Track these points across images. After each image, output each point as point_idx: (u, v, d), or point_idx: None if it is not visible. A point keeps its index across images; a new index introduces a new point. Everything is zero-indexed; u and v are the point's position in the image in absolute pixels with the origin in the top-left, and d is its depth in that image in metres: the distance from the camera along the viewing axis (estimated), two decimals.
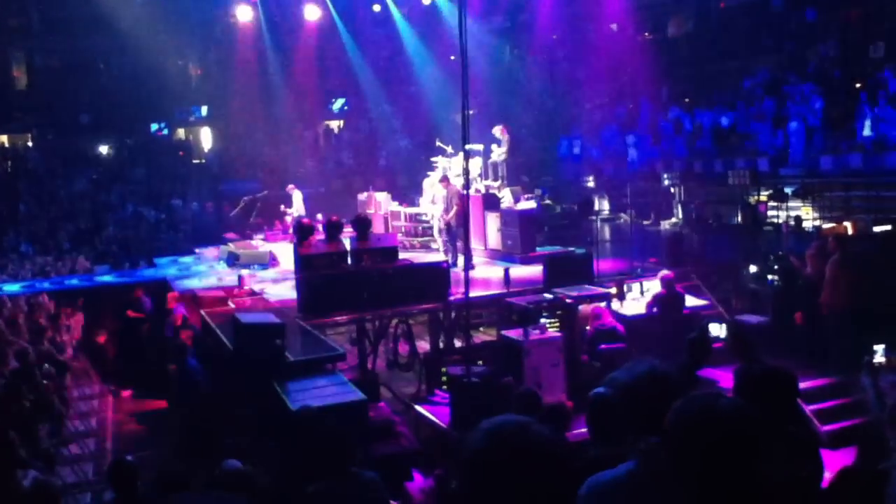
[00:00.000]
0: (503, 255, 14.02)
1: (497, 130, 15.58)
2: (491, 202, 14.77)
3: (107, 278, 16.35)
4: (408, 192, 18.86)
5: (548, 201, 18.09)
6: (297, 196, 18.08)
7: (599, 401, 3.20)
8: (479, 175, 15.45)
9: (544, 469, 1.56)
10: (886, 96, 16.00)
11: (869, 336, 9.10)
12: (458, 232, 13.29)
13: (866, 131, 15.88)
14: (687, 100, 21.89)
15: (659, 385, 2.18)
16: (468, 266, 9.37)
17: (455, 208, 13.37)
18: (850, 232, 13.08)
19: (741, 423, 1.72)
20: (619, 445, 2.37)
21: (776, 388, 3.37)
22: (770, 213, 15.87)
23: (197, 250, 17.95)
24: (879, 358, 8.70)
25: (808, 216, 15.43)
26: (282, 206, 18.32)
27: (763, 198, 16.04)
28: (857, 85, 17.51)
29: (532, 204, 15.61)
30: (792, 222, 14.88)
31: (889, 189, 14.75)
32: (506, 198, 15.15)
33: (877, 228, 13.31)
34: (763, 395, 3.35)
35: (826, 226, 14.11)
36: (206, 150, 28.41)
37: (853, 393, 9.27)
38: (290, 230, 17.48)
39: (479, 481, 1.56)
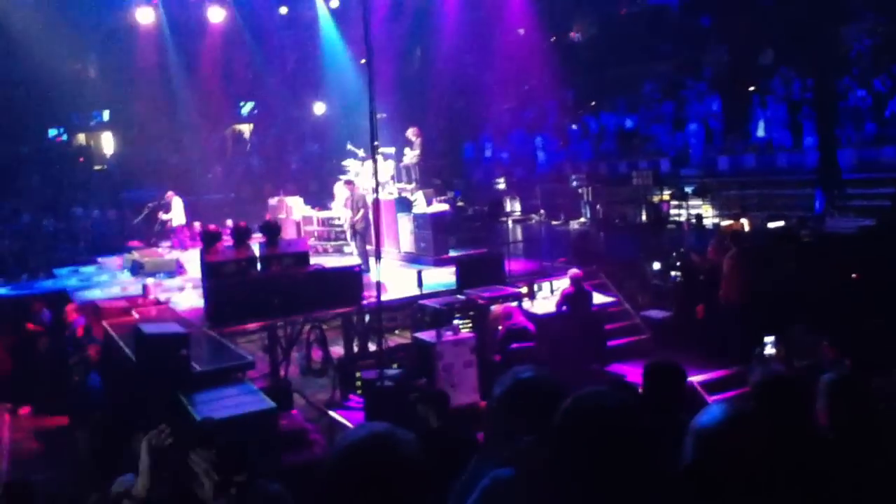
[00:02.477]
0: (416, 258, 14.07)
1: (410, 132, 15.65)
2: (403, 205, 14.80)
3: (2, 291, 15.54)
4: (320, 196, 18.66)
5: (460, 204, 18.25)
6: (176, 203, 17.37)
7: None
8: (392, 178, 15.46)
9: (403, 480, 1.55)
10: (775, 99, 16.86)
11: (761, 328, 9.54)
12: (366, 235, 13.27)
13: (760, 132, 16.70)
14: (592, 103, 22.50)
15: (527, 394, 2.24)
16: (377, 267, 9.35)
17: (361, 211, 13.35)
18: (746, 229, 13.71)
19: (626, 420, 1.71)
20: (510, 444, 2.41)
21: (665, 380, 3.55)
22: (672, 211, 16.49)
23: (99, 260, 17.27)
24: (769, 350, 9.13)
25: (708, 214, 16.10)
26: (158, 213, 17.63)
27: (665, 197, 16.65)
28: (751, 88, 18.40)
29: (444, 206, 15.70)
30: (693, 220, 15.49)
31: (780, 187, 15.56)
32: (418, 201, 15.20)
33: (770, 224, 14.00)
34: (657, 386, 3.52)
35: (724, 223, 14.74)
36: (107, 155, 27.36)
37: (749, 383, 9.71)
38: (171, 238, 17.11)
39: (335, 499, 1.54)
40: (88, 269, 16.66)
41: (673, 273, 12.78)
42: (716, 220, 15.60)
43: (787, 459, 1.71)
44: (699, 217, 15.59)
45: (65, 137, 27.32)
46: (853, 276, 10.52)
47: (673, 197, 16.53)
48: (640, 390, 3.82)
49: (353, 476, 1.54)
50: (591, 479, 1.67)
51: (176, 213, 17.25)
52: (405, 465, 1.57)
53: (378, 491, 1.53)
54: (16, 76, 24.52)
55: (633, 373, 10.57)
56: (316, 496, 1.59)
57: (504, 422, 2.29)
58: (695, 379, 9.76)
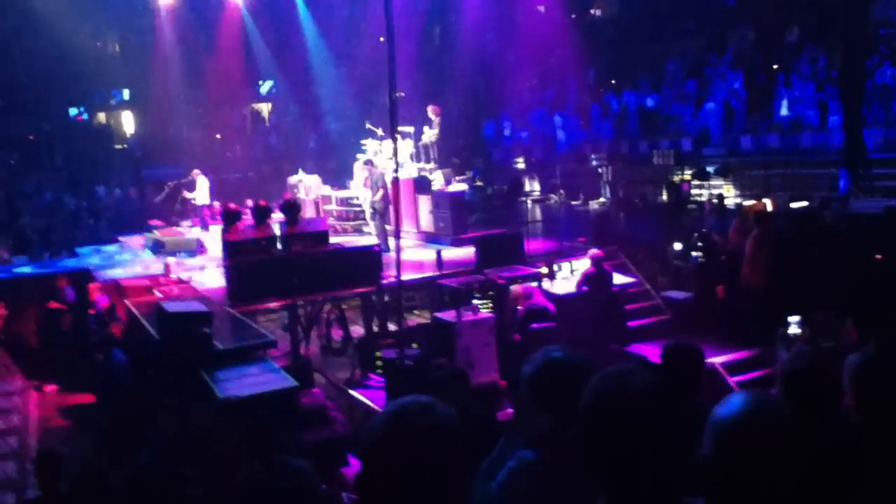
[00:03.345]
0: (435, 238, 14.06)
1: (430, 110, 15.60)
2: (422, 185, 14.77)
3: (26, 269, 15.73)
4: (338, 175, 18.67)
5: (479, 183, 18.18)
6: (201, 182, 17.25)
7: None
8: (410, 157, 15.42)
9: (445, 450, 1.56)
10: (801, 78, 16.59)
11: (784, 310, 9.46)
12: (386, 215, 13.27)
13: (783, 111, 16.46)
14: (613, 82, 22.26)
15: (557, 374, 2.23)
16: (397, 247, 9.35)
17: (381, 191, 13.34)
18: (769, 209, 13.55)
19: (650, 404, 1.69)
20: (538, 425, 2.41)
21: (683, 362, 3.53)
22: (693, 191, 16.33)
23: (120, 239, 17.42)
24: (794, 330, 9.06)
25: (730, 194, 15.93)
26: (182, 191, 17.57)
27: (686, 177, 16.48)
28: (775, 67, 18.12)
29: (463, 186, 15.67)
30: (714, 200, 15.33)
31: (805, 167, 15.35)
32: (437, 180, 15.17)
33: (794, 205, 13.83)
34: (675, 368, 3.51)
35: (746, 203, 14.58)
36: (128, 134, 27.51)
37: (771, 364, 9.65)
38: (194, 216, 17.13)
39: (380, 464, 1.56)
40: (110, 248, 16.82)
41: (694, 254, 12.68)
42: (738, 201, 15.44)
43: (810, 453, 1.69)
44: (721, 197, 15.43)
45: (86, 116, 27.49)
46: (877, 256, 10.39)
47: (694, 177, 16.37)
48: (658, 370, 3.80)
49: (398, 437, 1.56)
50: (614, 459, 1.66)
51: (200, 193, 17.23)
52: (449, 434, 1.58)
53: (423, 454, 1.54)
54: (39, 54, 24.67)
55: (653, 353, 10.54)
56: (361, 458, 1.60)
57: (533, 401, 2.28)
58: (716, 360, 9.73)
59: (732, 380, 9.72)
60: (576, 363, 2.23)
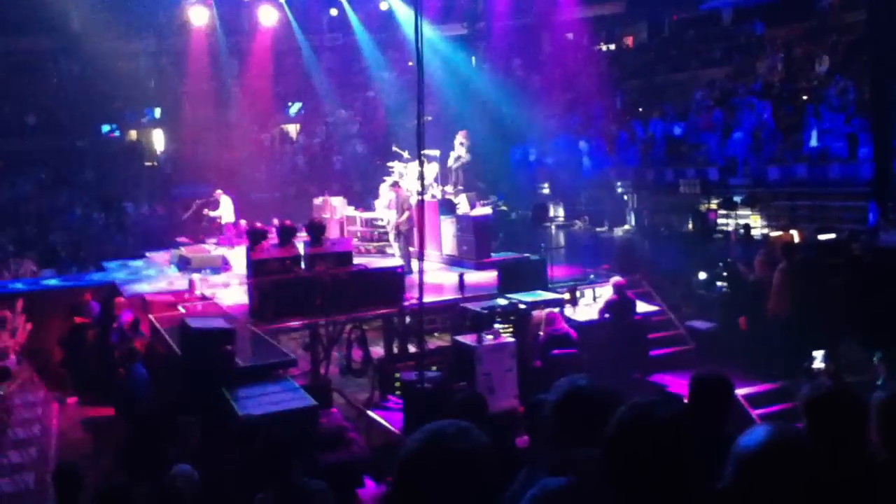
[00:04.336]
0: (458, 261, 14.06)
1: (461, 136, 15.74)
2: (447, 208, 14.81)
3: (53, 282, 15.94)
4: (364, 197, 18.79)
5: (503, 207, 18.19)
6: (225, 201, 17.42)
7: (539, 408, 3.23)
8: (435, 180, 15.49)
9: (479, 474, 1.55)
10: (829, 109, 16.46)
11: (810, 342, 9.32)
12: (410, 237, 13.31)
13: (813, 142, 16.32)
14: (640, 109, 22.25)
15: (583, 403, 2.22)
16: (420, 270, 9.36)
17: (406, 213, 13.39)
18: (796, 240, 13.41)
19: (675, 435, 1.69)
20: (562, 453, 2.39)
21: (712, 393, 3.48)
22: (719, 221, 16.20)
23: (147, 254, 17.60)
24: (818, 364, 8.92)
25: (756, 224, 15.79)
26: (205, 210, 17.68)
27: (713, 206, 16.37)
28: (804, 97, 18.01)
29: (487, 210, 15.68)
30: (741, 230, 15.20)
31: (832, 199, 15.19)
32: (461, 204, 15.21)
33: (821, 237, 13.67)
34: (703, 398, 3.46)
35: (773, 234, 14.44)
36: (158, 152, 27.93)
37: (795, 398, 9.50)
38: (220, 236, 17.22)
39: (413, 485, 1.55)
40: (137, 263, 16.99)
41: (718, 283, 12.56)
42: (764, 231, 15.30)
43: (832, 486, 1.66)
44: (747, 227, 15.30)
45: (117, 133, 27.96)
46: None
47: (721, 206, 16.26)
48: (684, 401, 3.75)
49: (433, 457, 1.56)
50: (641, 490, 1.64)
51: (225, 211, 17.43)
52: (482, 459, 1.58)
53: (456, 476, 1.54)
54: (73, 72, 25.23)
55: (675, 383, 10.44)
56: (394, 476, 1.60)
57: (558, 429, 2.27)
58: (739, 392, 9.59)
59: (755, 412, 9.57)
60: (602, 392, 2.22)
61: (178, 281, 13.69)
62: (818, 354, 8.99)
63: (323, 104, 26.77)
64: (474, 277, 12.50)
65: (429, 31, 18.36)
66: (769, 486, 1.62)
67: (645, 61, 23.99)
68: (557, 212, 19.54)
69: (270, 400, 6.97)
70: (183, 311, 10.89)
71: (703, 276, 12.89)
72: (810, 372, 8.80)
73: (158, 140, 28.54)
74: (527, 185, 21.53)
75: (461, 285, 11.61)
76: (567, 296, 11.73)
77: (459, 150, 15.82)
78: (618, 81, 22.64)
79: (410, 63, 19.23)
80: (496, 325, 10.04)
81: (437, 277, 13.11)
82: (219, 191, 17.70)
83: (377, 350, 11.78)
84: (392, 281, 11.06)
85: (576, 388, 2.26)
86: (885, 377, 8.01)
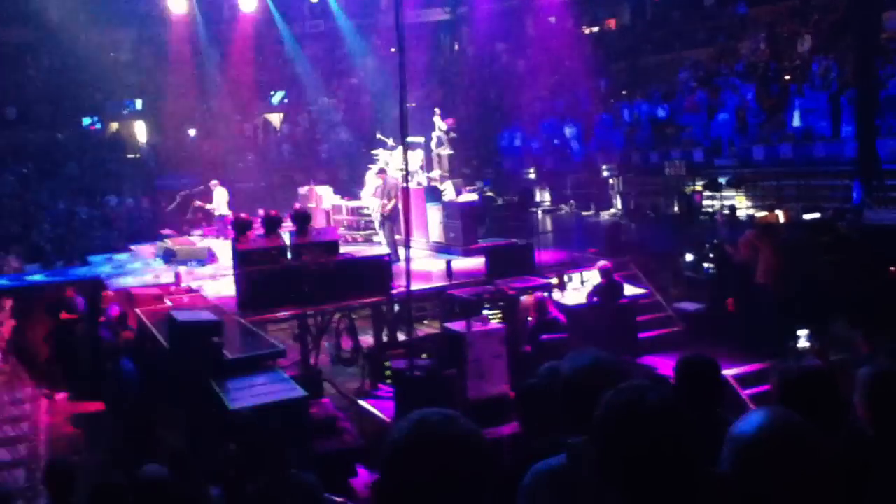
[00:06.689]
0: (445, 248, 14.04)
1: (445, 122, 15.70)
2: (433, 194, 14.77)
3: (37, 278, 15.80)
4: (349, 185, 18.70)
5: (489, 193, 18.18)
6: (219, 192, 17.09)
7: (528, 391, 3.21)
8: (421, 167, 15.44)
9: (468, 462, 1.53)
10: (813, 88, 16.51)
11: (796, 321, 9.38)
12: (396, 224, 13.27)
13: (796, 122, 16.37)
14: (624, 92, 22.24)
15: (601, 377, 2.18)
16: (407, 257, 9.33)
17: (393, 201, 13.34)
18: (781, 220, 13.46)
19: (666, 420, 1.66)
20: (552, 436, 2.38)
21: (698, 375, 3.49)
22: (705, 202, 16.26)
23: (132, 247, 17.47)
24: (803, 343, 8.97)
25: (742, 205, 15.85)
26: (196, 202, 17.46)
27: (698, 188, 16.41)
28: (787, 77, 18.04)
29: (474, 196, 15.66)
30: (726, 211, 15.26)
31: (817, 178, 15.26)
32: (447, 190, 15.18)
33: (807, 216, 13.74)
34: (690, 381, 3.47)
35: (759, 214, 14.50)
36: (140, 144, 27.67)
37: (771, 381, 9.56)
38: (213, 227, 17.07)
39: (401, 474, 1.53)
40: (122, 257, 16.88)
41: (706, 265, 12.61)
42: (750, 212, 15.36)
43: (831, 470, 1.66)
44: (733, 208, 15.35)
45: (99, 126, 27.67)
46: (891, 269, 10.29)
47: (706, 187, 16.30)
48: (672, 383, 3.76)
49: (420, 444, 1.54)
50: (630, 475, 1.64)
51: (219, 203, 17.18)
52: (471, 446, 1.56)
53: (444, 463, 1.52)
54: (53, 64, 24.91)
55: (664, 365, 10.48)
56: (381, 465, 1.58)
57: (569, 408, 2.25)
58: (728, 372, 9.64)
59: (745, 392, 9.63)
60: (619, 365, 2.20)
61: (164, 274, 13.61)
62: (803, 333, 9.04)
63: (306, 92, 26.58)
64: (462, 264, 12.49)
65: (412, 16, 18.25)
66: (769, 472, 1.62)
67: (628, 44, 23.94)
68: (544, 196, 19.53)
69: (260, 391, 6.94)
70: (169, 304, 10.84)
71: (690, 257, 12.92)
72: (795, 351, 8.85)
73: (141, 132, 28.26)
74: (513, 170, 21.52)
75: (449, 272, 11.59)
76: (555, 280, 11.75)
77: (440, 126, 15.73)
78: (602, 64, 22.58)
79: (393, 49, 19.12)
80: (485, 312, 10.04)
81: (425, 265, 13.08)
82: (214, 181, 17.37)
83: (367, 339, 11.76)
84: (379, 269, 11.02)
85: (596, 360, 2.24)
86: (869, 353, 8.07)
